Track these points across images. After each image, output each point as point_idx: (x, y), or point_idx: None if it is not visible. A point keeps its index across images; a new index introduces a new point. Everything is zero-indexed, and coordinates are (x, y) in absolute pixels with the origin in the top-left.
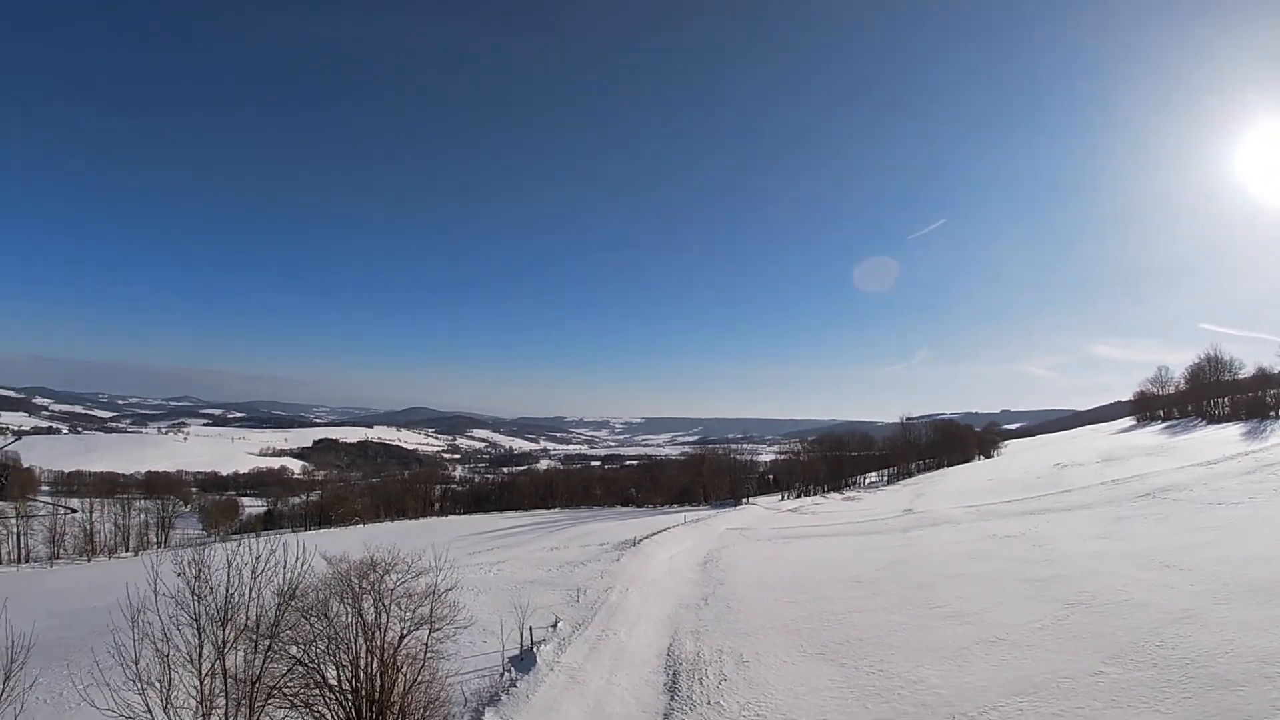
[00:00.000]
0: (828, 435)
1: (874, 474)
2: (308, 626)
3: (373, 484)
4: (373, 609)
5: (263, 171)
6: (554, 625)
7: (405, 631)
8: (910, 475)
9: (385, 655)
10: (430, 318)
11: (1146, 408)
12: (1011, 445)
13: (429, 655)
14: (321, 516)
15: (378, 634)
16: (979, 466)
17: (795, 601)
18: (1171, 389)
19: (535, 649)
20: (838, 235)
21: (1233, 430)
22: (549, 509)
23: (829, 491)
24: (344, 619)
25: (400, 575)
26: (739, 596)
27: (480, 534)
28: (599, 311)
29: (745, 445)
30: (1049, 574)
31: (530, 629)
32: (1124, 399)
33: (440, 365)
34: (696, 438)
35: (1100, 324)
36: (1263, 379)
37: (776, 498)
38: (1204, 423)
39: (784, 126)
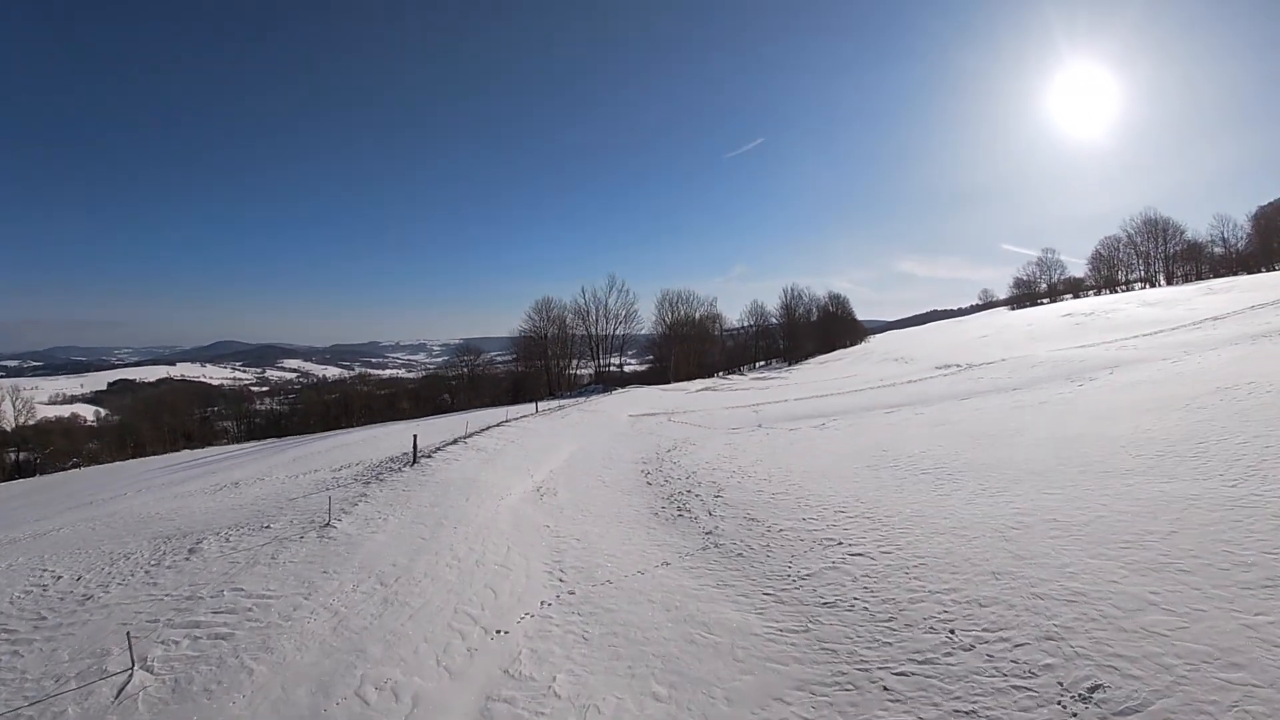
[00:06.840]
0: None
1: (761, 360)
2: None
3: (107, 420)
4: None
5: (45, 96)
6: None
7: None
8: (811, 356)
9: None
10: (235, 242)
11: (1030, 296)
12: (873, 339)
13: None
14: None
15: None
16: (896, 337)
17: None
18: (1057, 275)
19: None
20: (657, 151)
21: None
22: (343, 429)
23: (727, 374)
24: None
25: None
26: None
27: (191, 463)
28: (412, 227)
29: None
30: None
31: None
32: (939, 308)
33: (248, 294)
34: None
35: (905, 241)
36: None
37: (657, 386)
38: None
39: (605, 42)
